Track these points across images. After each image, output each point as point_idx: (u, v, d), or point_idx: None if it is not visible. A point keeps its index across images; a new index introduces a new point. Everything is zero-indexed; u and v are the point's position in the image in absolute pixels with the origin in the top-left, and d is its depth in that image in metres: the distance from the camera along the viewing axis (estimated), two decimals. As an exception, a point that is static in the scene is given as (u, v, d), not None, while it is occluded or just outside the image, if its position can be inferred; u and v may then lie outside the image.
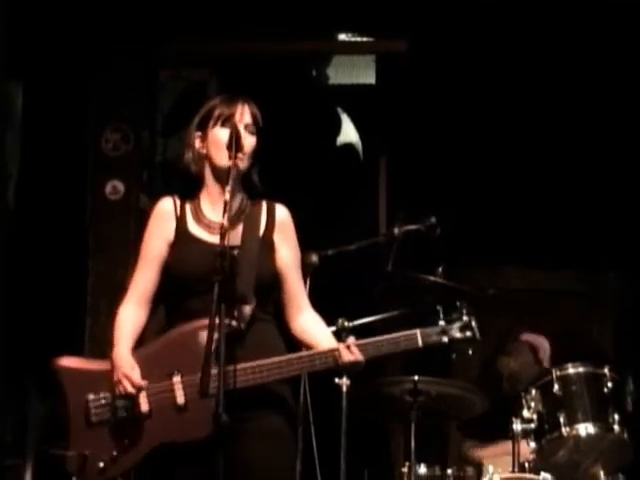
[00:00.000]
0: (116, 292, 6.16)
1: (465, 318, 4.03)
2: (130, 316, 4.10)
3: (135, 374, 3.92)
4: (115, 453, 3.93)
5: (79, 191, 6.42)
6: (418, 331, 3.96)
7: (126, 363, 3.94)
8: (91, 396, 3.98)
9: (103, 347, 5.98)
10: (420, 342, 3.96)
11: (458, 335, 4.01)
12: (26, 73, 6.50)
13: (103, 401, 3.97)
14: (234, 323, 3.84)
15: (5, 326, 5.94)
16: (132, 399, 3.93)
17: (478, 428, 6.00)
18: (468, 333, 4.01)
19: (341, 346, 3.94)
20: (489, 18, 6.60)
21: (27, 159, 6.50)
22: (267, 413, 3.98)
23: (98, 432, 3.97)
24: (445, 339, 3.99)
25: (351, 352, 3.91)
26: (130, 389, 3.90)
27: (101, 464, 3.93)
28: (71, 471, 4.03)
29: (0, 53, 6.21)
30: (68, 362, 4.10)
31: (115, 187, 6.41)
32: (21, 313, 6.04)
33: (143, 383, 3.93)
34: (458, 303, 4.07)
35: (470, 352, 4.10)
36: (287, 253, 4.12)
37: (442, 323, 4.01)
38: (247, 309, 3.92)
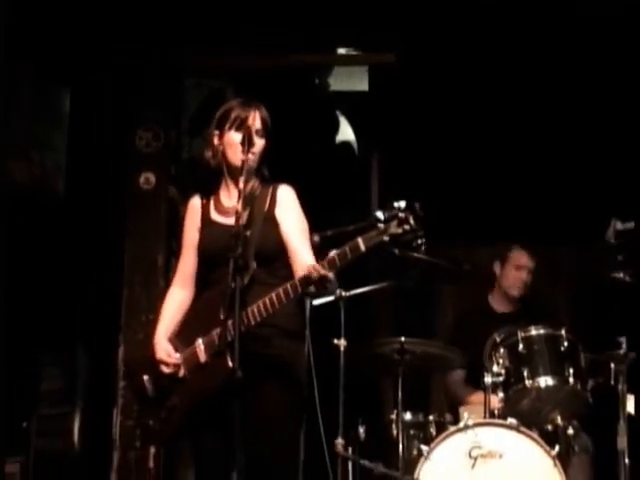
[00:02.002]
0: (148, 267, 6.36)
1: (401, 214, 3.72)
2: (176, 297, 4.28)
3: (168, 358, 4.08)
4: (164, 415, 4.08)
5: (117, 182, 6.44)
6: (359, 238, 3.74)
7: (160, 349, 4.12)
8: (145, 377, 4.14)
9: (136, 313, 6.23)
10: (363, 247, 3.73)
11: (397, 230, 3.71)
12: (72, 80, 6.50)
13: (151, 379, 4.13)
14: (232, 285, 3.82)
15: (60, 296, 5.97)
16: (170, 373, 4.07)
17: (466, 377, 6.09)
18: (406, 226, 3.71)
19: (309, 268, 3.80)
20: (465, 33, 6.57)
21: (74, 154, 6.50)
22: (275, 371, 4.03)
23: (151, 404, 4.15)
24: (385, 238, 3.72)
25: (316, 270, 3.77)
26: (166, 370, 4.06)
27: (157, 427, 4.12)
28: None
29: (51, 65, 6.26)
30: (130, 355, 4.33)
31: (148, 179, 6.42)
32: (72, 285, 6.08)
33: (176, 361, 4.06)
34: (395, 203, 3.79)
35: (419, 242, 3.79)
36: (287, 223, 4.13)
37: (380, 225, 3.73)
38: (245, 276, 3.91)
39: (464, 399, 6.05)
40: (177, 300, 4.25)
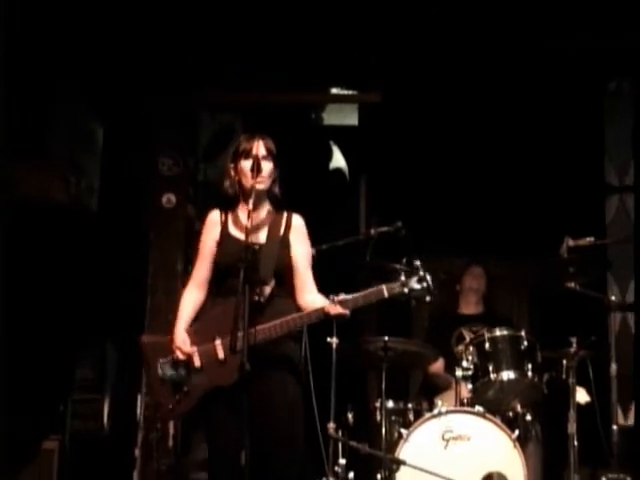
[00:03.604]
0: (168, 274, 6.32)
1: (421, 273, 3.96)
2: (191, 297, 4.25)
3: (185, 346, 4.08)
4: (178, 398, 4.07)
5: (143, 201, 6.45)
6: (384, 286, 3.93)
7: (178, 338, 4.10)
8: (161, 360, 4.12)
9: (159, 316, 6.17)
10: (386, 293, 3.92)
11: (416, 286, 3.95)
12: (106, 116, 6.54)
13: (168, 363, 4.11)
14: (256, 298, 3.92)
15: (92, 299, 5.98)
16: (185, 362, 4.06)
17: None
18: (424, 284, 3.95)
19: (328, 303, 3.95)
20: (441, 77, 6.62)
21: (105, 178, 6.52)
22: (280, 365, 4.06)
23: (167, 385, 4.11)
24: (405, 290, 3.94)
25: (336, 306, 3.92)
26: (181, 356, 4.06)
27: (170, 406, 4.09)
28: (153, 415, 4.20)
29: (89, 103, 6.31)
30: (146, 338, 4.27)
31: (169, 199, 6.42)
32: (103, 289, 6.09)
33: (191, 350, 4.06)
34: (416, 262, 4.02)
35: (428, 299, 4.01)
36: (299, 250, 4.17)
37: (403, 278, 3.95)
38: (267, 289, 4.01)
39: (445, 384, 6.01)
40: (192, 300, 4.23)
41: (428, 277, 3.99)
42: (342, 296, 4.00)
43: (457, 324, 6.00)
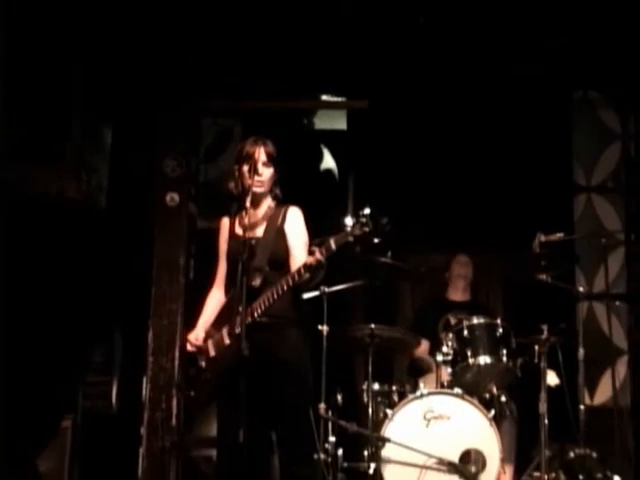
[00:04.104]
0: (171, 268, 6.30)
1: (363, 219, 3.89)
2: (214, 296, 4.38)
3: (195, 340, 4.22)
4: (200, 386, 4.24)
5: (148, 199, 6.44)
6: (331, 239, 3.95)
7: (192, 333, 4.26)
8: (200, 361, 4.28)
9: (163, 305, 6.19)
10: (333, 246, 3.93)
11: (359, 232, 3.90)
12: (114, 119, 6.53)
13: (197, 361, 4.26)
14: (252, 284, 4.02)
15: (102, 291, 6.00)
16: (200, 354, 4.20)
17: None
18: (366, 229, 3.88)
19: (306, 258, 3.98)
20: (422, 86, 6.66)
21: (114, 177, 6.50)
22: (283, 349, 4.17)
23: (194, 377, 4.29)
24: (350, 238, 3.92)
25: (312, 257, 3.93)
26: (190, 348, 4.21)
27: (192, 393, 4.27)
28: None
29: (98, 107, 6.28)
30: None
31: (173, 197, 6.41)
32: (110, 280, 6.08)
33: (197, 342, 4.20)
34: (364, 211, 3.94)
35: (376, 241, 4.01)
36: (292, 237, 4.26)
37: (348, 229, 3.93)
38: (260, 275, 4.10)
39: (428, 366, 6.02)
40: (215, 298, 4.36)
41: (371, 223, 3.91)
42: (315, 248, 3.98)
43: (444, 310, 6.02)
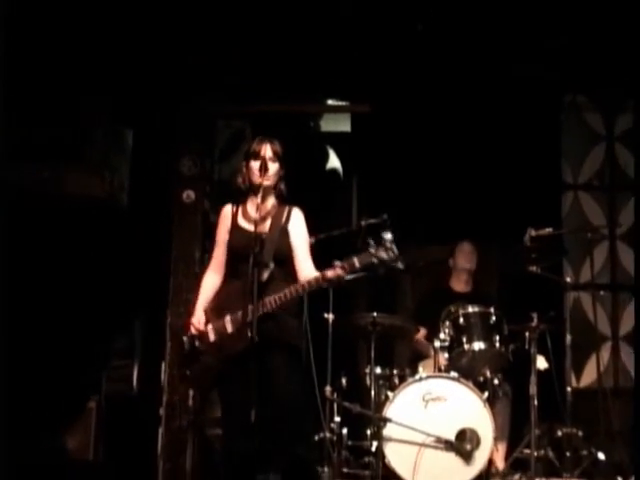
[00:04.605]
0: (188, 260, 6.26)
1: (387, 244, 3.93)
2: (209, 280, 4.29)
3: (199, 324, 4.13)
4: (199, 368, 4.13)
5: (166, 196, 6.43)
6: (355, 257, 3.96)
7: (195, 316, 4.16)
8: (184, 338, 4.18)
9: (180, 295, 6.16)
10: (357, 264, 3.95)
11: (384, 256, 3.93)
12: (135, 122, 6.53)
13: (188, 339, 4.16)
14: (261, 278, 3.97)
15: (123, 280, 6.00)
16: (200, 336, 4.10)
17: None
18: (390, 254, 3.91)
19: (327, 270, 3.99)
20: (421, 92, 6.65)
21: (134, 176, 6.51)
22: (283, 340, 4.10)
23: (188, 357, 4.17)
24: (375, 260, 3.93)
25: (334, 271, 3.96)
26: (194, 332, 4.11)
27: (187, 372, 4.18)
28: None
29: (121, 111, 6.31)
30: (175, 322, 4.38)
31: (189, 195, 6.40)
32: (131, 272, 6.08)
33: (201, 327, 4.11)
34: (386, 236, 3.98)
35: (401, 266, 4.01)
36: (296, 236, 4.22)
37: (372, 250, 3.95)
38: (267, 270, 4.05)
39: (427, 351, 5.97)
40: (211, 282, 4.27)
41: (394, 247, 3.94)
42: (338, 263, 4.00)
43: (448, 302, 5.84)
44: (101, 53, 5.95)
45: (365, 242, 4.03)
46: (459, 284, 6.28)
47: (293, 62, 6.48)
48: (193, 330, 4.11)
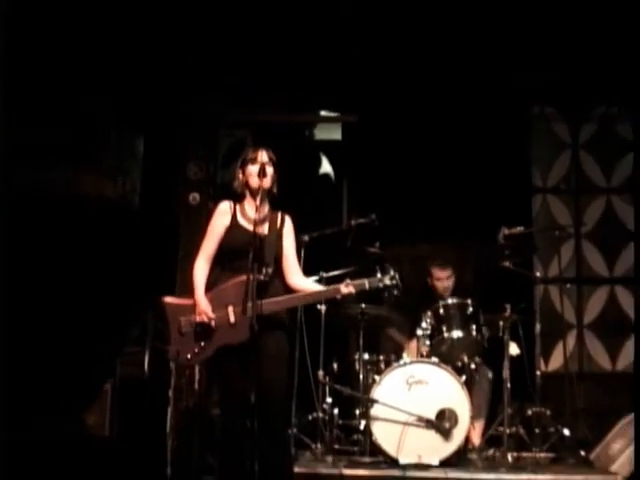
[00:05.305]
0: (194, 258, 6.18)
1: (392, 273, 4.12)
2: (202, 268, 4.19)
3: (209, 311, 4.07)
4: (196, 350, 4.08)
5: (174, 198, 6.43)
6: (366, 280, 4.11)
7: (202, 303, 4.08)
8: (182, 318, 4.12)
9: (185, 288, 5.97)
10: (367, 285, 4.10)
11: (388, 282, 4.11)
12: (146, 130, 6.51)
13: (188, 321, 4.10)
14: (262, 277, 4.00)
15: (135, 275, 5.97)
16: (203, 322, 4.06)
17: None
18: (394, 281, 4.11)
19: (341, 285, 4.10)
20: (404, 104, 6.67)
21: (145, 180, 6.48)
22: (276, 328, 4.09)
23: (186, 338, 4.11)
24: (380, 285, 4.11)
25: (347, 287, 4.08)
26: (205, 319, 4.05)
27: (188, 356, 4.10)
28: (171, 359, 4.22)
29: (132, 119, 6.27)
30: (168, 299, 4.24)
31: (194, 197, 6.39)
32: (143, 267, 6.04)
33: (213, 315, 4.06)
34: (387, 266, 4.16)
35: (396, 293, 4.19)
36: (288, 242, 4.24)
37: (379, 276, 4.12)
38: (269, 270, 4.07)
39: (403, 344, 6.00)
40: (204, 271, 4.19)
41: (397, 277, 4.12)
42: (349, 281, 4.14)
43: (431, 303, 5.74)
44: (119, 72, 5.97)
45: (366, 250, 4.46)
46: (442, 295, 6.09)
47: (290, 78, 6.50)
48: (205, 319, 4.06)
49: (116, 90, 6.09)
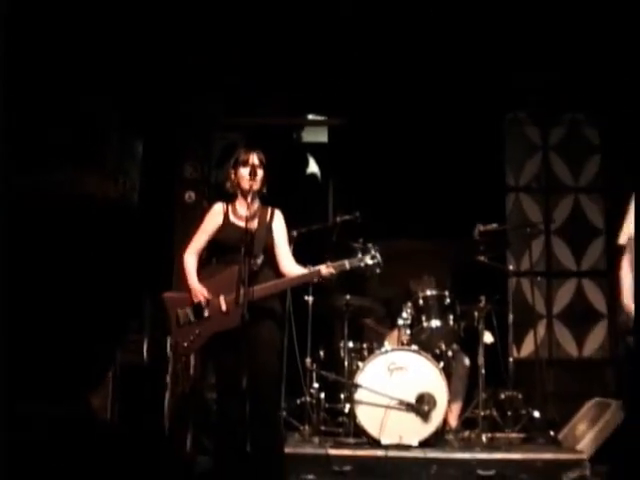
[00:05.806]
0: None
1: (373, 252, 4.11)
2: (192, 260, 4.23)
3: (204, 291, 4.09)
4: (192, 338, 4.10)
5: (171, 197, 6.41)
6: (346, 260, 4.08)
7: (198, 287, 4.11)
8: (179, 310, 4.14)
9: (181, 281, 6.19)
10: (347, 265, 4.08)
11: (369, 262, 4.10)
12: (145, 132, 6.48)
13: (185, 312, 4.13)
14: (254, 268, 4.03)
15: (135, 268, 5.96)
16: (198, 309, 4.06)
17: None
18: (375, 260, 4.09)
19: (322, 267, 4.09)
20: (388, 109, 6.67)
21: (144, 180, 6.45)
22: (268, 317, 4.12)
23: (183, 328, 4.13)
24: (362, 264, 4.09)
25: (327, 268, 4.06)
26: (202, 299, 4.07)
27: (185, 344, 4.12)
28: (171, 348, 4.24)
29: (132, 122, 6.25)
30: (167, 294, 4.24)
31: (190, 195, 6.38)
32: (142, 261, 6.02)
33: (208, 295, 4.07)
34: (369, 245, 4.15)
35: (378, 271, 4.14)
36: (279, 233, 4.27)
37: (360, 255, 4.11)
38: (258, 260, 4.10)
39: (384, 334, 5.98)
40: (193, 261, 4.22)
41: (378, 255, 4.10)
42: (329, 263, 4.10)
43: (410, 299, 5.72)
44: (122, 77, 5.95)
45: (350, 245, 4.30)
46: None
47: (279, 84, 6.49)
48: (202, 299, 4.06)
49: (116, 91, 6.06)
